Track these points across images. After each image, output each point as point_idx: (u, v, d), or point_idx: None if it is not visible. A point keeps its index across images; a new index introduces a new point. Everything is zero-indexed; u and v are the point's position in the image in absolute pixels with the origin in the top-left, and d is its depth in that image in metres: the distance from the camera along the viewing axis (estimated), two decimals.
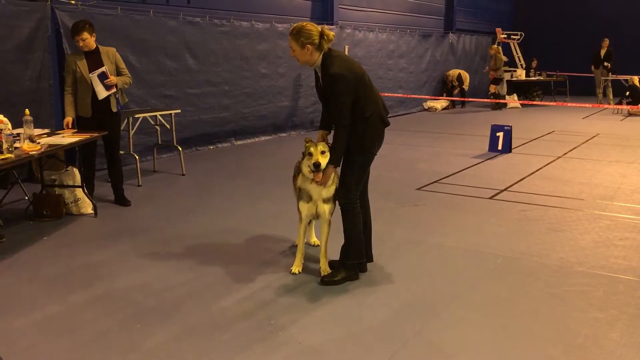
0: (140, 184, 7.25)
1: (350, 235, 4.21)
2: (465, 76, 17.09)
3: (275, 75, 11.22)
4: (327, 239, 4.33)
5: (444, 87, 17.20)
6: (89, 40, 5.89)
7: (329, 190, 4.16)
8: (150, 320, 3.62)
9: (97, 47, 6.00)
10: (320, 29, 3.99)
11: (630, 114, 14.91)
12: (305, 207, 4.22)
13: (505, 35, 18.98)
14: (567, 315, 3.67)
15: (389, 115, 4.24)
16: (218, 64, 9.97)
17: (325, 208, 4.20)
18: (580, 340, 3.36)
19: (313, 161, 3.97)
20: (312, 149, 4.01)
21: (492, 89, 16.65)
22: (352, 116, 3.96)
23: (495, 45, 17.26)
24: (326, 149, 4.03)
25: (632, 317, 3.65)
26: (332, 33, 4.04)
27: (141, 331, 3.48)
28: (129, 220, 5.80)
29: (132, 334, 3.44)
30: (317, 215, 4.27)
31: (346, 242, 4.24)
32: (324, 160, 3.99)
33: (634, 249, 4.88)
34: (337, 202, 4.24)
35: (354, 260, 4.23)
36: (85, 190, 5.95)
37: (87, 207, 5.96)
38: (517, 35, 19.17)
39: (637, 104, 14.55)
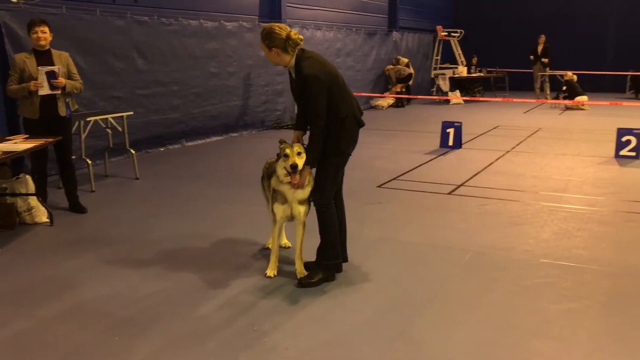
0: (93, 189, 6.99)
1: (325, 236, 4.19)
2: (411, 71, 17.27)
3: (225, 75, 11.07)
4: (302, 241, 4.30)
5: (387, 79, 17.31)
6: (47, 35, 5.67)
7: (304, 191, 4.13)
8: (128, 332, 3.49)
9: (49, 49, 5.76)
10: (287, 33, 3.94)
11: (567, 108, 15.55)
12: (280, 209, 4.18)
13: (446, 33, 19.41)
14: (542, 307, 3.79)
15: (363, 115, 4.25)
16: (167, 64, 9.74)
17: (301, 209, 4.17)
18: (558, 330, 3.47)
19: (290, 163, 3.93)
20: (287, 151, 3.97)
21: (398, 88, 17.01)
22: (326, 117, 3.95)
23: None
24: (302, 150, 4.00)
25: (603, 305, 3.81)
26: (299, 37, 3.99)
27: (120, 344, 3.35)
28: (88, 228, 5.59)
29: (111, 348, 3.31)
30: (292, 217, 4.23)
31: (322, 243, 4.23)
32: (300, 162, 3.96)
33: (593, 240, 5.09)
34: (311, 203, 4.23)
35: (330, 261, 4.22)
36: (40, 198, 5.68)
37: (42, 215, 5.70)
38: (457, 32, 19.65)
39: (573, 99, 15.19)
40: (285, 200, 4.14)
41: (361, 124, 4.16)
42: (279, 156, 4.06)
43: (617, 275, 4.31)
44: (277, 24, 4.03)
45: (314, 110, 3.91)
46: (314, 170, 4.14)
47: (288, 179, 4.01)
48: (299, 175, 3.97)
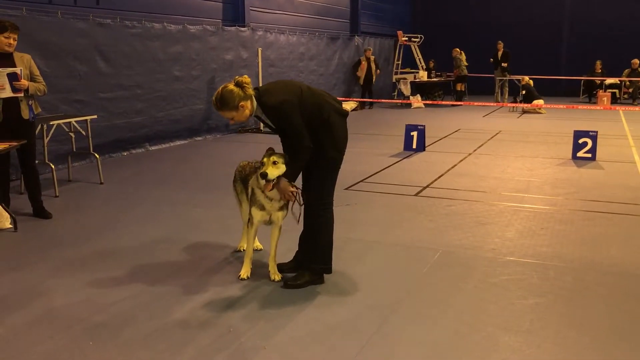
0: (57, 194, 6.86)
1: (320, 239, 4.20)
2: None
3: (189, 78, 11.00)
4: (277, 243, 4.32)
5: (356, 70, 17.51)
6: (15, 42, 5.57)
7: (281, 202, 4.17)
8: (102, 337, 3.45)
9: (11, 52, 5.65)
10: (233, 82, 3.89)
11: (525, 112, 15.97)
12: (259, 214, 4.18)
13: (407, 38, 19.71)
14: (511, 303, 3.91)
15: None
16: (130, 67, 9.63)
17: (279, 215, 4.21)
18: (527, 325, 3.60)
19: (261, 171, 3.95)
20: (264, 159, 3.98)
21: (458, 87, 18.36)
22: (312, 124, 3.93)
23: (457, 49, 18.72)
24: (280, 160, 3.98)
25: (567, 299, 3.95)
26: (244, 77, 3.92)
27: (95, 349, 3.31)
28: (54, 233, 5.48)
29: (85, 353, 3.27)
30: (270, 221, 4.25)
31: (315, 246, 4.21)
32: (274, 172, 3.96)
33: (554, 237, 5.26)
34: (290, 208, 4.25)
35: (321, 265, 4.23)
36: (3, 204, 5.55)
37: (5, 221, 5.56)
38: (417, 37, 19.97)
39: (531, 102, 15.62)
40: (264, 207, 4.16)
41: (345, 114, 4.18)
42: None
43: (579, 270, 4.48)
44: (219, 89, 3.92)
45: (295, 131, 3.88)
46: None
47: (263, 182, 4.03)
48: (270, 184, 3.98)
